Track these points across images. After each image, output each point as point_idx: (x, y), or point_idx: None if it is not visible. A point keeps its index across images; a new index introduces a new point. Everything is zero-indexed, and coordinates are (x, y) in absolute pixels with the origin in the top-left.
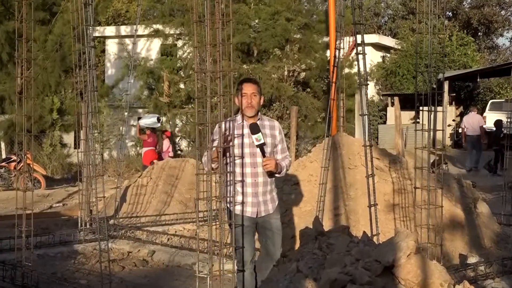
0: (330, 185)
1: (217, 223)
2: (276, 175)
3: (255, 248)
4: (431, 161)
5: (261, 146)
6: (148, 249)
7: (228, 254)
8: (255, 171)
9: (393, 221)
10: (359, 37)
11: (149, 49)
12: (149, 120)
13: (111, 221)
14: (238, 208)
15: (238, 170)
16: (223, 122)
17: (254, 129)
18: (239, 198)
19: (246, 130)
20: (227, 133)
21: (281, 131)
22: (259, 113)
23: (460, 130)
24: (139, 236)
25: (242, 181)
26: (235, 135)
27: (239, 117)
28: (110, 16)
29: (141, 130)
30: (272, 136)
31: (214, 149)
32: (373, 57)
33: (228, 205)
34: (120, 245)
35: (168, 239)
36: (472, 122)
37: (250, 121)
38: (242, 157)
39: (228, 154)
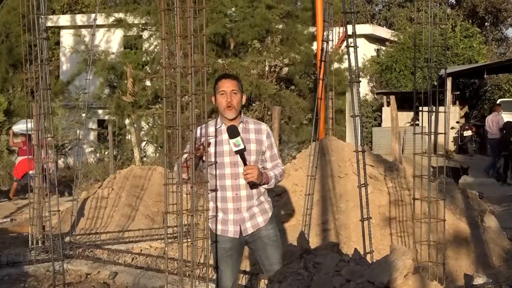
0: (317, 196)
1: (189, 240)
2: (264, 186)
3: (237, 273)
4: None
5: (241, 153)
6: (109, 271)
7: (202, 275)
8: (237, 183)
9: (389, 237)
10: (350, 27)
11: (110, 41)
12: (24, 126)
13: (67, 239)
14: (218, 228)
15: (217, 182)
16: (199, 128)
17: (232, 132)
18: (219, 215)
19: (226, 136)
20: (203, 139)
21: (270, 135)
22: (242, 115)
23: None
24: (99, 256)
25: (215, 191)
26: (211, 142)
27: (218, 120)
28: (65, 3)
29: (16, 136)
30: (258, 142)
31: (185, 156)
32: (366, 51)
33: (209, 224)
34: (77, 266)
35: (133, 259)
36: (491, 123)
37: (230, 116)
38: (214, 164)
39: (205, 163)
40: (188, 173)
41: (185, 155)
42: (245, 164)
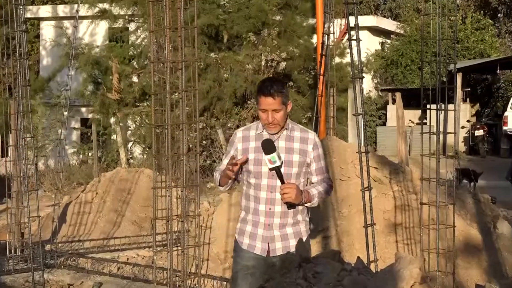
0: None
1: (179, 248)
2: (306, 205)
3: None
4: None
5: (277, 170)
6: (93, 281)
7: (193, 286)
8: (272, 197)
9: (395, 244)
10: (352, 19)
11: (94, 33)
12: None
13: (48, 247)
14: (245, 242)
15: (252, 192)
16: (241, 130)
17: (267, 147)
18: (248, 228)
19: None
20: (242, 147)
21: (318, 146)
22: (288, 120)
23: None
24: (83, 265)
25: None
26: (251, 148)
27: (260, 125)
28: None
29: None
30: (302, 152)
31: (224, 165)
32: (370, 44)
33: (236, 234)
34: (59, 276)
35: (119, 268)
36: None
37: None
38: (251, 173)
39: (243, 168)
40: (226, 185)
41: (222, 166)
42: (282, 182)
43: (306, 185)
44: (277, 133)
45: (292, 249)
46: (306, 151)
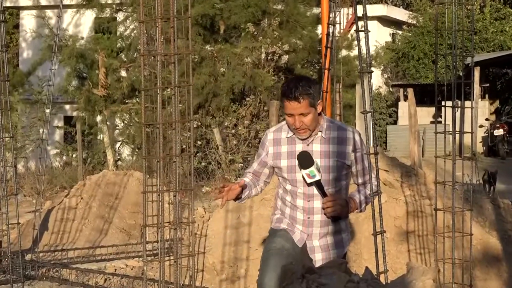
0: None
1: (171, 258)
2: (356, 211)
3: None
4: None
5: (318, 184)
6: None
7: None
8: (310, 206)
9: (407, 254)
10: (360, 8)
11: (79, 24)
12: None
13: (28, 256)
14: (282, 226)
15: (289, 198)
16: (272, 132)
17: (304, 161)
18: (285, 221)
19: (300, 146)
20: (273, 151)
21: (358, 144)
22: (321, 119)
23: None
24: (66, 277)
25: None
26: (283, 153)
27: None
28: None
29: None
30: (340, 155)
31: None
32: (379, 36)
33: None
34: None
35: (106, 280)
36: None
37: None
38: (286, 180)
39: (276, 172)
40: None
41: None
42: (323, 195)
43: (348, 186)
44: (310, 136)
45: (331, 258)
46: (345, 153)
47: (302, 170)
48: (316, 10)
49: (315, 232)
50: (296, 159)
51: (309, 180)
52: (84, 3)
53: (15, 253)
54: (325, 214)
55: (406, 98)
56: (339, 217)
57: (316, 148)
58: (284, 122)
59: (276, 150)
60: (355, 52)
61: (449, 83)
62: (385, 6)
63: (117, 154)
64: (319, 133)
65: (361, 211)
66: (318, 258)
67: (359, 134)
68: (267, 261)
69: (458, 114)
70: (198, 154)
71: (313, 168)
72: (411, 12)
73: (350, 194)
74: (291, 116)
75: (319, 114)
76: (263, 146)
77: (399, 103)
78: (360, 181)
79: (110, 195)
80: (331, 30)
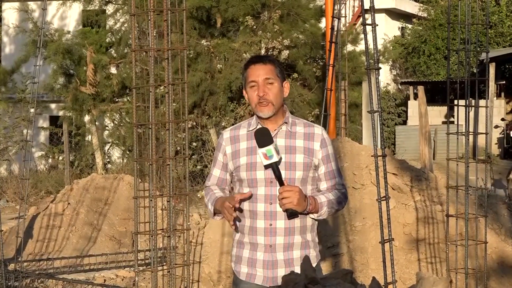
0: None
1: (164, 267)
2: (312, 216)
3: None
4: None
5: (274, 168)
6: None
7: None
8: (272, 210)
9: (417, 263)
10: (367, 0)
11: (66, 17)
12: None
13: (11, 266)
14: (242, 271)
15: (246, 206)
16: (228, 130)
17: (262, 138)
18: (245, 252)
19: None
20: (231, 150)
21: (327, 143)
22: (288, 113)
23: None
24: (52, 287)
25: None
26: (242, 150)
27: (253, 120)
28: None
29: None
30: (307, 152)
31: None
32: (388, 30)
33: (232, 263)
34: None
35: None
36: None
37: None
38: (244, 181)
39: (234, 177)
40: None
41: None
42: (281, 183)
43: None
44: (274, 130)
45: None
46: (312, 149)
47: (258, 149)
48: (319, 2)
49: (279, 243)
50: (254, 140)
51: (265, 162)
52: None
53: None
54: (281, 207)
55: (416, 96)
56: (296, 213)
57: (281, 142)
58: (243, 121)
59: (234, 149)
60: (361, 47)
61: (462, 81)
62: None
63: (106, 157)
64: (284, 126)
65: (320, 216)
66: (281, 274)
67: (327, 133)
68: None
69: (472, 113)
70: (193, 157)
71: (271, 147)
72: (421, 4)
73: (312, 193)
74: (254, 85)
75: (284, 105)
76: (219, 147)
77: (409, 102)
78: (325, 186)
79: (99, 200)
80: (335, 23)
